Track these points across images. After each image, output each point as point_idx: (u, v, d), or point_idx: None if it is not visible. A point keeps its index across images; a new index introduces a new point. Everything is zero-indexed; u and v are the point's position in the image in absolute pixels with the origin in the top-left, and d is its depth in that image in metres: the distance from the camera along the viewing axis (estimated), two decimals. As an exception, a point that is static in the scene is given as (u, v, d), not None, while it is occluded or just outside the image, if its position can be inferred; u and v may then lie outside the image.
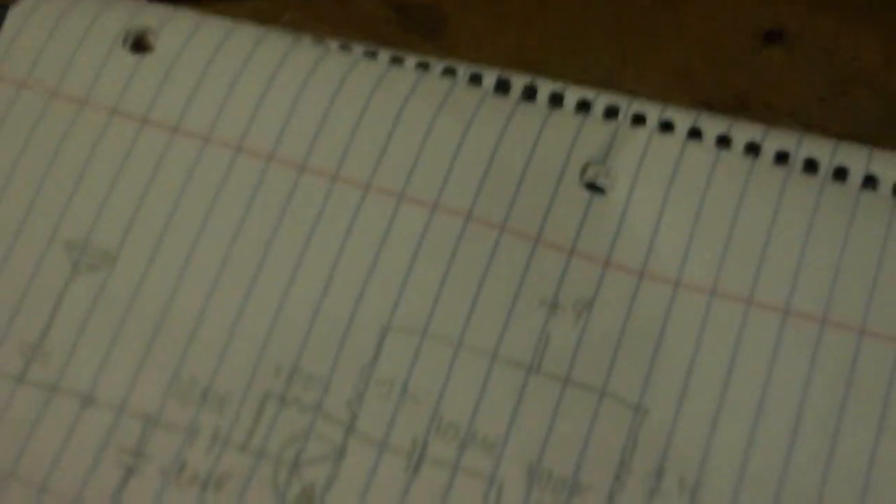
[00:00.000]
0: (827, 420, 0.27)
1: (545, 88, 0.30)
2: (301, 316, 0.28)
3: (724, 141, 0.29)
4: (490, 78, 0.31)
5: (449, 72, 0.31)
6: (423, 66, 0.31)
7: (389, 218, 0.29)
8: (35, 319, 0.28)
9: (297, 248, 0.29)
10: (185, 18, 0.31)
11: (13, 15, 0.31)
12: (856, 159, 0.29)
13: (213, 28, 0.31)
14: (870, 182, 0.29)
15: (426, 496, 0.27)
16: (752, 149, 0.29)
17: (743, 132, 0.29)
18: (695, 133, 0.29)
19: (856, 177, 0.29)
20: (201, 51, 0.30)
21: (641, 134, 0.29)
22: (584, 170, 0.29)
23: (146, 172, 0.29)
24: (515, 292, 0.28)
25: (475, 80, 0.31)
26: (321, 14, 0.34)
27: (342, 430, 0.27)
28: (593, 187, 0.29)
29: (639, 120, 0.30)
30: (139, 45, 0.31)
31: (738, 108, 0.33)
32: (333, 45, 0.31)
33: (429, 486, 0.27)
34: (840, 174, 0.29)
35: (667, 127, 0.30)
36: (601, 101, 0.30)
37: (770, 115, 0.32)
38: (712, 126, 0.30)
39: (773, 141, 0.29)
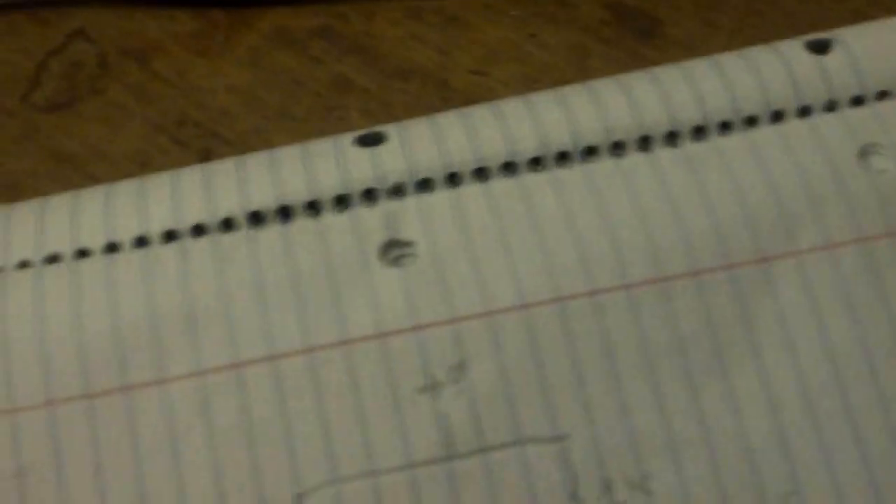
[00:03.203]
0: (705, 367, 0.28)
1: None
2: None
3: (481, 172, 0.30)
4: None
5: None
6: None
7: (239, 390, 0.28)
8: None
9: (170, 469, 0.27)
10: None
11: None
12: None
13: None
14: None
15: None
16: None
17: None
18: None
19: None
20: None
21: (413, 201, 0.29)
22: (382, 253, 0.29)
23: None
24: (392, 394, 0.28)
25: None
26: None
27: None
28: (397, 262, 0.29)
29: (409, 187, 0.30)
30: None
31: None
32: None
33: None
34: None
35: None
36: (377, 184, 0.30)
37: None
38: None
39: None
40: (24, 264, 0.29)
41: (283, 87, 0.40)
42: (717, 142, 0.30)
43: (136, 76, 0.40)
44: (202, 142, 0.39)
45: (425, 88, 0.40)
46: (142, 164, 0.38)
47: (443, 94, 0.39)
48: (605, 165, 0.30)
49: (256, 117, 0.39)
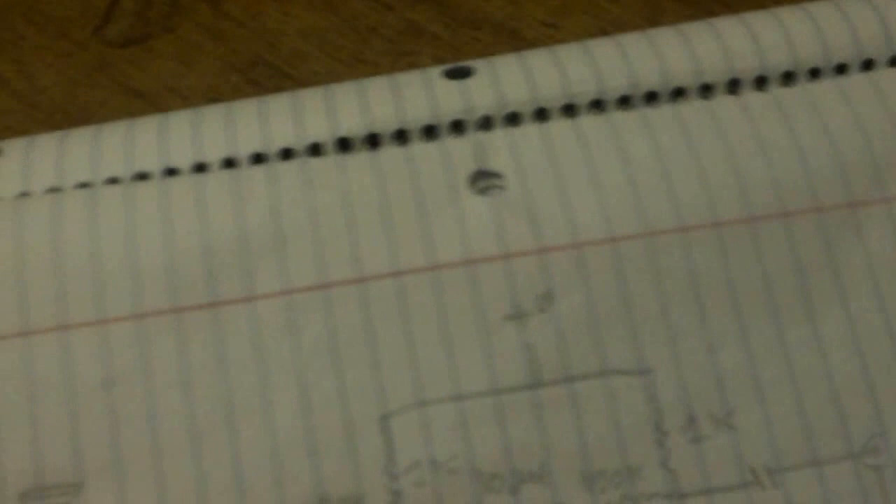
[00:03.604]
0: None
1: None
2: (298, 444, 0.27)
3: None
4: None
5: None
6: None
7: (326, 310, 0.28)
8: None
9: (256, 384, 0.27)
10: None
11: None
12: None
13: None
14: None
15: (508, 551, 0.26)
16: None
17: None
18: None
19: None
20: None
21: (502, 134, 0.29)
22: (471, 182, 0.29)
23: (44, 386, 0.27)
24: (479, 321, 0.28)
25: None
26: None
27: (399, 533, 0.26)
28: (486, 191, 0.29)
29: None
30: None
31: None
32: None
33: (505, 541, 0.26)
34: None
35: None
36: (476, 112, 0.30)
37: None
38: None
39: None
40: (113, 180, 0.29)
41: (356, 32, 0.40)
42: (806, 87, 0.30)
43: (207, 16, 0.40)
44: (274, 82, 0.39)
45: (496, 38, 0.40)
46: (214, 101, 0.38)
47: (514, 43, 0.39)
48: (693, 107, 0.30)
49: (328, 60, 0.39)
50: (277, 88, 0.38)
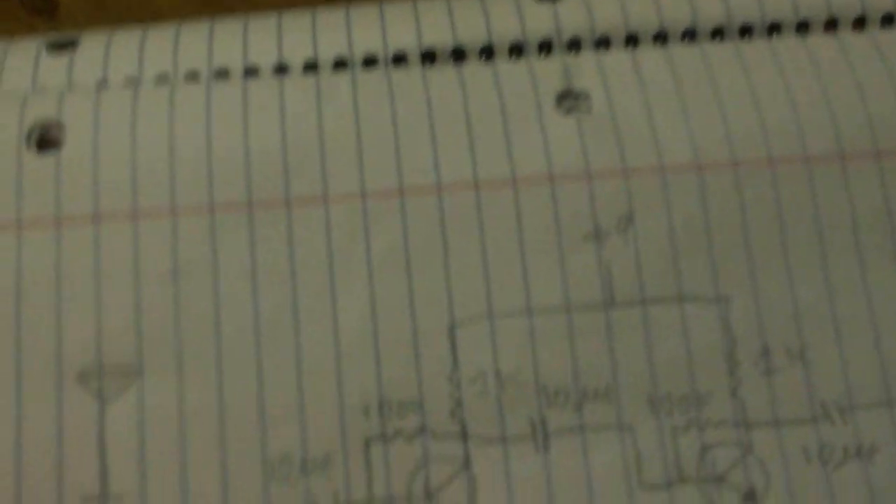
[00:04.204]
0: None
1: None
2: (362, 346, 0.26)
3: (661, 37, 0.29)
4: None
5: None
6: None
7: (402, 216, 0.27)
8: (87, 467, 0.26)
9: (325, 284, 0.27)
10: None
11: None
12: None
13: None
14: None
15: (568, 467, 0.26)
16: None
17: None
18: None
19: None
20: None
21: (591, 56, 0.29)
22: (557, 101, 0.28)
23: (111, 271, 0.27)
24: (556, 238, 0.27)
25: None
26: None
27: (458, 442, 0.26)
28: (572, 111, 0.28)
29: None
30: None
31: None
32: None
33: (566, 457, 0.26)
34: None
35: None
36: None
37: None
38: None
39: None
40: (192, 76, 0.29)
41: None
42: (907, 31, 0.29)
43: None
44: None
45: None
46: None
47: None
48: (789, 43, 0.29)
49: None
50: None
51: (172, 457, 0.26)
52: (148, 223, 0.27)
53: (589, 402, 0.26)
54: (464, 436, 0.26)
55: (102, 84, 0.29)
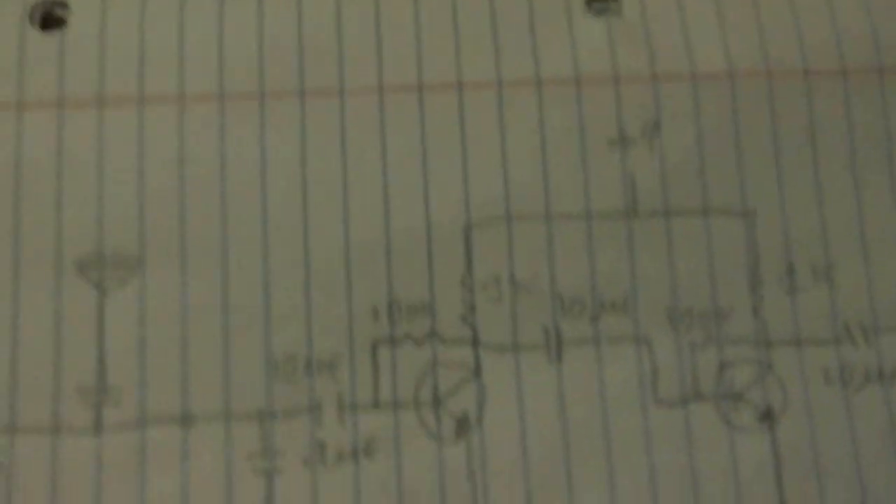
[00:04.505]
0: None
1: None
2: (373, 245, 0.25)
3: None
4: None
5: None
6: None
7: (420, 112, 0.26)
8: (84, 359, 0.25)
9: (338, 179, 0.26)
10: None
11: None
12: None
13: None
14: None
15: (581, 379, 0.25)
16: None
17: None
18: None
19: None
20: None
21: None
22: (587, 2, 0.27)
23: (115, 157, 0.26)
24: (580, 143, 0.26)
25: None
26: None
27: (468, 348, 0.25)
28: (602, 13, 0.27)
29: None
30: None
31: None
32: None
33: (580, 368, 0.25)
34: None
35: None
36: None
37: None
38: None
39: None
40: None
41: None
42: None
43: None
44: None
45: None
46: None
47: None
48: (829, -48, 0.28)
49: None
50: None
51: (173, 352, 0.25)
52: (154, 109, 0.26)
53: (606, 313, 0.25)
54: (475, 342, 0.25)
55: None
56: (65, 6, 0.27)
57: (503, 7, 0.27)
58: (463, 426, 0.25)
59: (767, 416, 0.25)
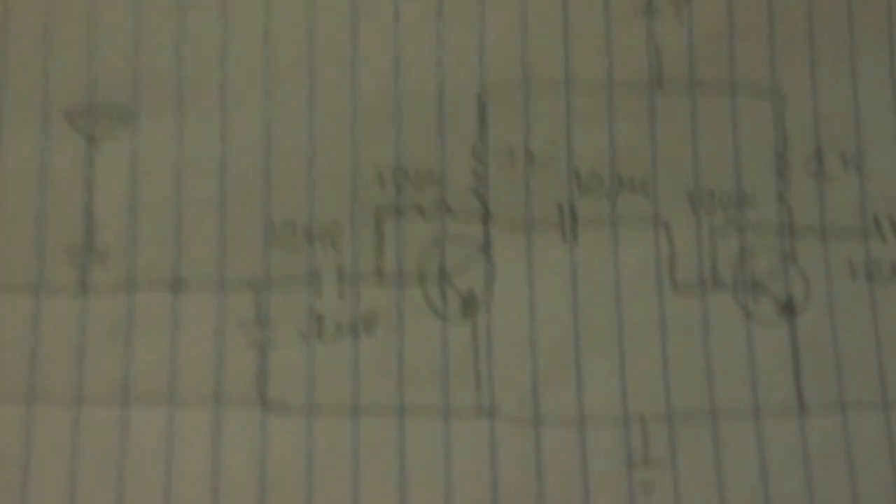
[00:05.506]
0: None
1: None
2: (381, 106, 0.24)
3: None
4: None
5: None
6: None
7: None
8: (71, 215, 0.23)
9: (345, 34, 0.24)
10: None
11: None
12: None
13: None
14: None
15: (596, 260, 0.24)
16: None
17: None
18: None
19: None
20: None
21: None
22: None
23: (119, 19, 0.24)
24: (605, 8, 0.24)
25: None
26: None
27: (478, 222, 0.24)
28: None
29: None
30: None
31: None
32: None
33: (595, 249, 0.24)
34: None
35: None
36: None
37: None
38: None
39: None
40: None
41: None
42: None
43: None
44: None
45: None
46: None
47: None
48: None
49: None
50: None
51: (166, 210, 0.23)
52: None
53: (624, 191, 0.24)
54: (485, 216, 0.24)
55: None
56: None
57: None
58: (469, 305, 0.23)
59: (788, 309, 0.24)
